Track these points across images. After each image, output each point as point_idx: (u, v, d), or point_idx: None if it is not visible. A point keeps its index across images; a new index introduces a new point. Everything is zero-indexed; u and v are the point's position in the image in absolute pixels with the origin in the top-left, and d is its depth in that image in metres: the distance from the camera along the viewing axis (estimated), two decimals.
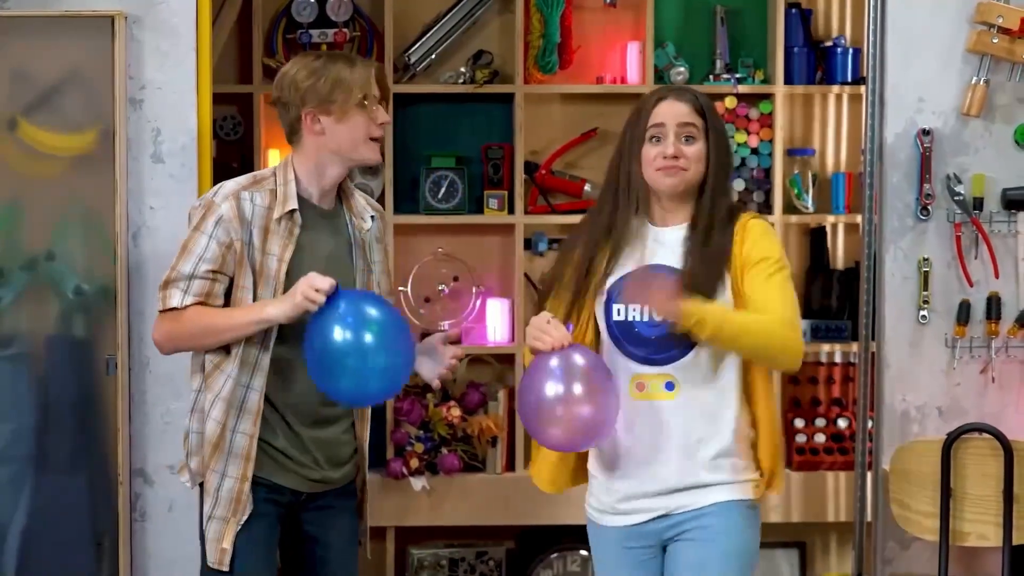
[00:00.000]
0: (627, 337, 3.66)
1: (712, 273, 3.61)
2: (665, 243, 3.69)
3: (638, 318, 3.63)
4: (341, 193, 3.92)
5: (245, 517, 3.76)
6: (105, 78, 4.40)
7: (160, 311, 3.77)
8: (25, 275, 4.42)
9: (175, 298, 3.73)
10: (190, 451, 3.86)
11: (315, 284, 3.63)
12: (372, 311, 3.66)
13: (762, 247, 3.63)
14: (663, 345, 3.62)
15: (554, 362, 3.55)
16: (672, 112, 3.67)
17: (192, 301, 3.73)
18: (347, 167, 3.85)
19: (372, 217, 3.93)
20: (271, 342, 3.75)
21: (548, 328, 3.58)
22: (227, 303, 3.76)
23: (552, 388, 3.54)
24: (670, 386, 3.64)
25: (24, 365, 4.45)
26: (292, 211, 3.77)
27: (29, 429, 4.43)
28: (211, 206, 3.75)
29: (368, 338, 3.62)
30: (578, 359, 3.57)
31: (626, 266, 3.68)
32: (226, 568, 3.75)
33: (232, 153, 5.87)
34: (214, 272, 3.73)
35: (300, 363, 3.74)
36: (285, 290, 3.73)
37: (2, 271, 4.41)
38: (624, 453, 3.68)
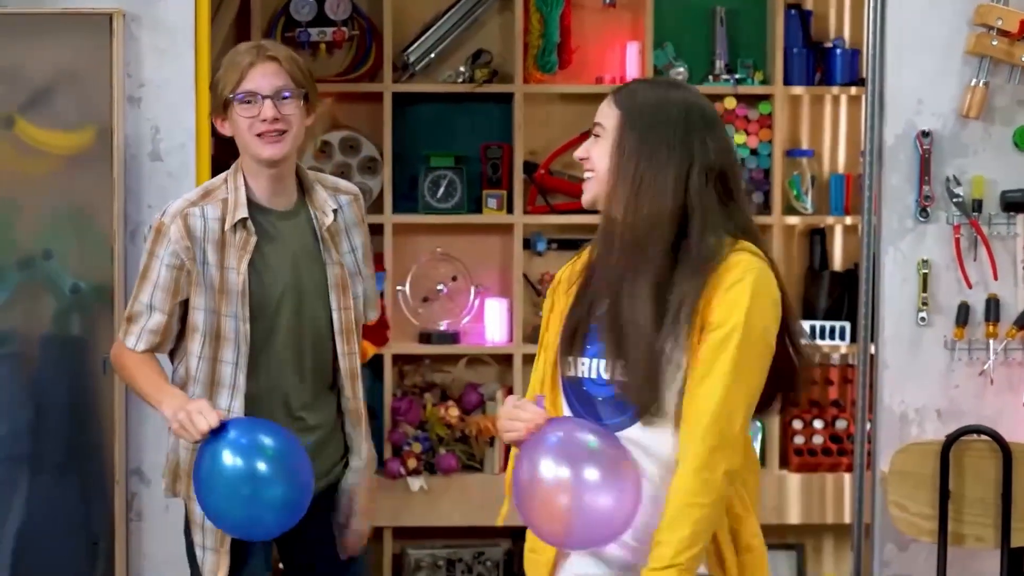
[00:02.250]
0: (574, 395, 3.04)
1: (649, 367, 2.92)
2: None
3: (587, 373, 3.01)
4: (303, 187, 3.75)
5: (230, 541, 3.70)
6: (103, 76, 4.38)
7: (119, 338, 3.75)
8: (21, 274, 4.41)
9: (131, 337, 3.68)
10: (167, 467, 3.83)
11: (195, 421, 3.40)
12: (267, 439, 3.41)
13: (726, 308, 2.91)
14: (611, 408, 2.98)
15: (536, 446, 2.94)
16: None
17: (144, 348, 3.68)
18: (263, 166, 3.65)
19: (335, 211, 3.71)
20: (241, 374, 3.66)
21: (516, 413, 2.98)
22: (184, 325, 3.69)
23: (550, 472, 2.91)
24: None
25: (19, 364, 4.44)
26: (243, 219, 3.63)
27: (24, 429, 4.42)
28: (160, 228, 3.65)
29: (263, 467, 3.36)
30: (557, 432, 2.95)
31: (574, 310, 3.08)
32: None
33: (230, 151, 5.81)
34: (170, 300, 3.65)
35: (270, 390, 3.70)
36: (250, 304, 3.62)
37: None
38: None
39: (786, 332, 3.00)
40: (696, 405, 2.89)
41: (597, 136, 3.05)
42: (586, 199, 3.04)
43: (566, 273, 3.14)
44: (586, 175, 3.04)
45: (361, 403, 3.84)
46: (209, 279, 3.64)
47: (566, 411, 3.04)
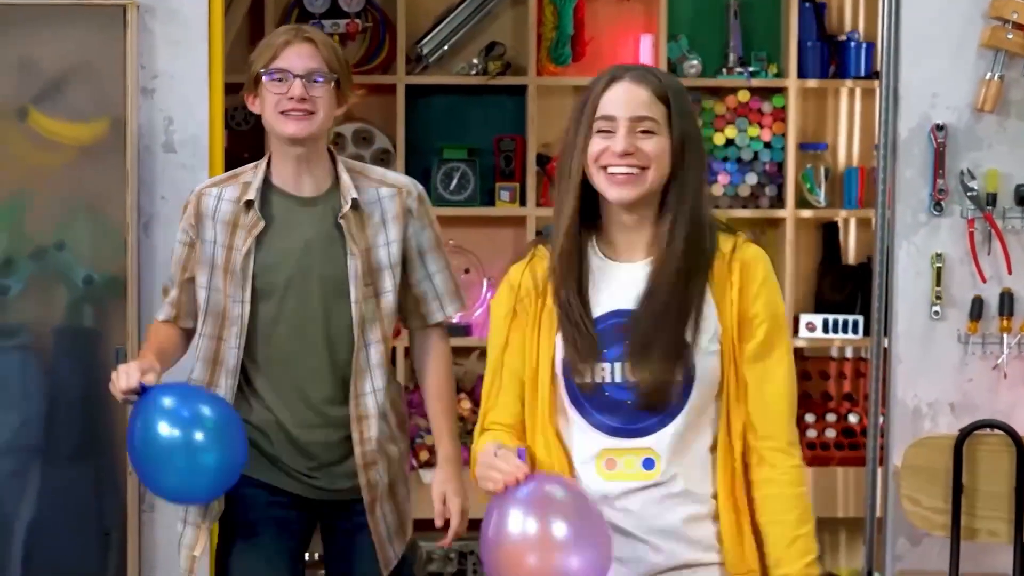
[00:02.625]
0: (593, 402, 2.94)
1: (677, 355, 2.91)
2: (621, 285, 2.99)
3: (608, 379, 2.92)
4: (337, 171, 3.73)
5: (215, 520, 3.68)
6: (116, 67, 4.38)
7: None
8: (33, 265, 4.41)
9: (162, 310, 3.84)
10: None
11: (117, 379, 3.43)
12: (200, 407, 3.42)
13: (768, 300, 2.96)
14: (640, 412, 2.92)
15: (509, 500, 2.78)
16: (626, 99, 2.95)
17: (163, 318, 3.82)
18: (285, 145, 3.64)
19: (354, 200, 3.65)
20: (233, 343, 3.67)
21: (494, 462, 2.83)
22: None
23: (515, 531, 2.76)
24: (648, 464, 2.94)
25: (32, 356, 4.44)
26: (250, 202, 3.63)
27: (37, 420, 4.42)
28: (184, 207, 3.76)
29: (198, 435, 3.37)
30: (549, 490, 2.81)
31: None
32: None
33: (243, 143, 5.86)
34: (180, 274, 3.75)
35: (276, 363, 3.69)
36: (252, 284, 3.63)
37: (11, 261, 4.40)
38: None
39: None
40: (771, 401, 2.95)
41: (649, 132, 2.91)
42: (635, 194, 2.92)
43: (524, 278, 3.04)
44: (630, 170, 2.90)
45: (383, 398, 3.72)
46: (213, 257, 3.66)
47: (581, 419, 2.96)
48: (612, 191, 2.92)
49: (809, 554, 2.95)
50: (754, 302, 2.94)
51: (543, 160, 5.92)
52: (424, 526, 5.84)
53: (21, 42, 4.37)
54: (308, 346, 3.68)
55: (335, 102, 3.66)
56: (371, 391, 3.69)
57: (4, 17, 4.35)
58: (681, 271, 2.91)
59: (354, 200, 3.65)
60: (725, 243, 2.97)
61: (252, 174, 3.70)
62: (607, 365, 2.92)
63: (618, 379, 2.92)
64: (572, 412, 2.96)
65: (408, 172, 5.84)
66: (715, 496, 2.95)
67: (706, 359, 2.92)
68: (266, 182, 3.68)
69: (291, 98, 3.58)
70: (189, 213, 3.71)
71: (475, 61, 5.92)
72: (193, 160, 4.46)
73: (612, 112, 2.92)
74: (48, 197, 4.42)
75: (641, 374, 2.90)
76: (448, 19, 5.92)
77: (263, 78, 3.61)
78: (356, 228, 3.66)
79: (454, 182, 5.88)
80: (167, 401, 3.41)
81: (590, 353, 2.92)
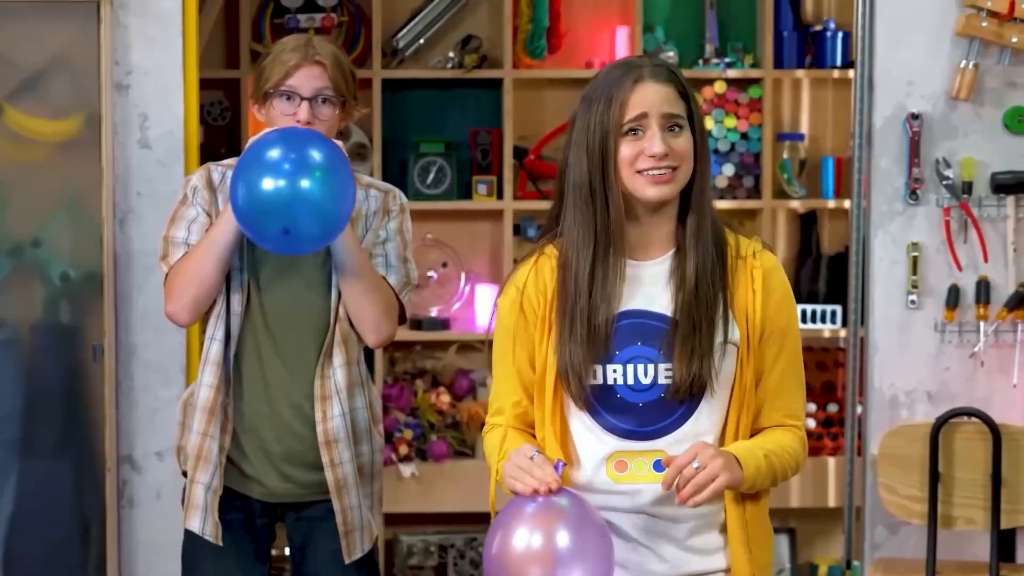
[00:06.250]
0: (604, 404, 2.92)
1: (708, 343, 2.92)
2: (644, 284, 2.97)
3: (620, 380, 2.90)
4: None
5: (208, 477, 3.68)
6: (91, 63, 4.38)
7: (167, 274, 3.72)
8: (10, 261, 4.40)
9: (176, 256, 3.69)
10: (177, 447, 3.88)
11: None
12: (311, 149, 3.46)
13: (788, 312, 2.97)
14: (654, 413, 2.91)
15: (533, 509, 2.80)
16: (655, 98, 2.90)
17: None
18: None
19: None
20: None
21: (530, 466, 2.82)
22: None
23: (526, 542, 2.77)
24: (659, 466, 2.90)
25: (10, 352, 4.43)
26: None
27: (15, 416, 4.42)
28: (186, 183, 3.77)
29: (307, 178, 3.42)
30: (568, 507, 2.81)
31: None
32: (189, 523, 3.72)
33: (219, 138, 5.86)
34: (202, 232, 3.69)
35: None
36: (247, 255, 3.66)
37: None
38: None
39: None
40: (788, 391, 2.97)
41: (678, 128, 2.88)
42: (673, 192, 2.89)
43: (529, 279, 2.99)
44: (662, 172, 2.86)
45: (355, 372, 3.77)
46: None
47: (589, 422, 2.92)
48: (651, 190, 2.87)
49: (759, 474, 2.88)
50: (776, 315, 2.93)
51: (520, 153, 5.92)
52: (404, 520, 5.86)
53: None
54: (293, 322, 3.71)
55: (339, 119, 3.74)
56: (342, 364, 3.72)
57: None
58: (714, 268, 2.91)
59: None
60: (743, 246, 2.95)
61: None
62: (619, 367, 2.89)
63: (631, 381, 2.89)
64: (582, 413, 2.93)
65: (384, 166, 5.87)
66: (723, 503, 2.93)
67: (724, 359, 2.91)
68: None
69: (297, 121, 3.65)
70: (200, 184, 3.72)
71: (451, 55, 5.91)
72: (169, 156, 4.45)
73: (644, 110, 2.87)
74: (24, 194, 4.42)
75: (681, 373, 2.87)
76: (424, 13, 5.91)
77: (273, 96, 3.68)
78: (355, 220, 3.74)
79: (431, 176, 5.87)
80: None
81: (604, 354, 2.90)
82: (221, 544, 3.71)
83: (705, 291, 2.89)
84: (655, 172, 2.86)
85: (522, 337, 2.99)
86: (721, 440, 2.92)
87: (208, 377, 3.70)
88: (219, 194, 3.72)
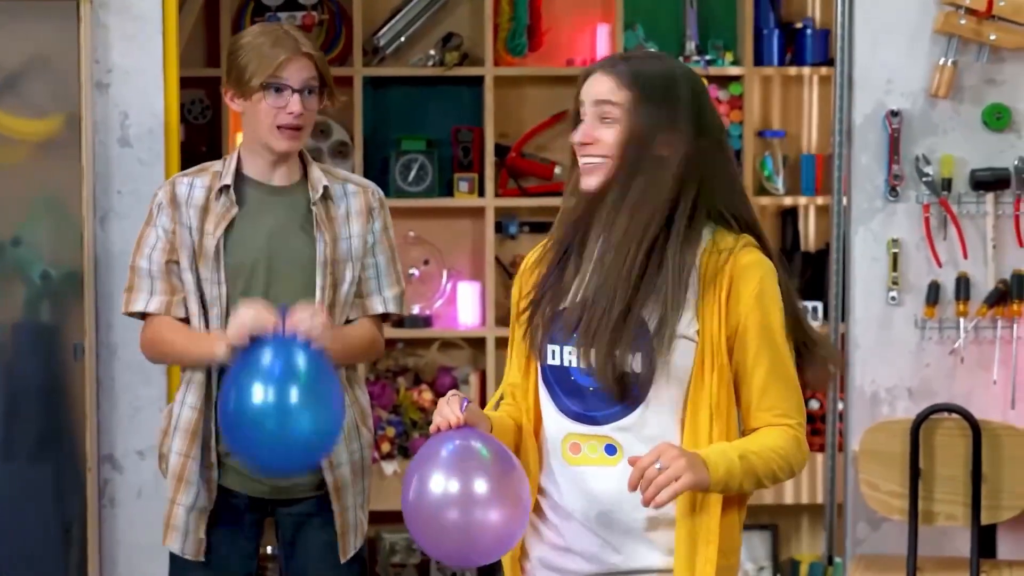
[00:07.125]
0: (561, 386, 2.90)
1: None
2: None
3: (575, 363, 2.86)
4: (304, 167, 3.78)
5: (190, 499, 3.69)
6: (71, 62, 4.37)
7: (126, 313, 3.74)
8: None
9: (139, 302, 3.70)
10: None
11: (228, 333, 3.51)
12: (298, 361, 3.40)
13: (766, 308, 2.86)
14: (602, 399, 2.86)
15: (439, 447, 2.80)
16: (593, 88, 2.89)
17: (156, 307, 3.69)
18: (268, 154, 3.71)
19: (325, 188, 3.71)
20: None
21: (440, 406, 2.84)
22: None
23: (436, 483, 2.76)
24: (611, 450, 2.87)
25: None
26: (225, 187, 3.68)
27: None
28: (153, 198, 3.75)
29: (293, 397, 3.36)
30: (472, 444, 2.80)
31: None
32: (169, 544, 3.72)
33: (200, 137, 5.85)
34: (168, 261, 3.68)
35: None
36: (223, 268, 3.65)
37: None
38: (563, 529, 2.95)
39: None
40: (780, 394, 2.92)
41: (607, 118, 2.85)
42: (595, 183, 2.86)
43: (530, 262, 3.02)
44: (590, 160, 2.86)
45: (343, 378, 3.75)
46: (190, 241, 3.68)
47: (550, 402, 2.91)
48: (582, 180, 2.89)
49: (732, 476, 2.78)
50: (750, 312, 2.84)
51: (501, 150, 5.93)
52: (386, 518, 5.85)
53: None
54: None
55: (318, 108, 3.76)
56: None
57: None
58: (630, 252, 2.82)
59: (325, 188, 3.73)
60: (725, 241, 2.88)
61: (222, 165, 3.75)
62: (573, 349, 2.86)
63: (583, 364, 2.84)
64: (544, 394, 2.94)
65: (366, 164, 5.87)
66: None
67: (672, 352, 2.82)
68: (238, 172, 3.73)
69: (289, 113, 3.65)
70: (164, 200, 3.69)
71: (432, 52, 5.91)
72: (149, 154, 4.45)
73: (583, 99, 2.88)
74: (4, 193, 4.41)
75: (587, 359, 2.84)
76: (404, 10, 5.91)
77: (260, 90, 3.64)
78: (325, 217, 3.72)
79: (412, 173, 5.88)
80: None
81: (554, 335, 2.89)
82: (203, 560, 3.72)
83: (613, 280, 2.82)
84: (585, 161, 2.88)
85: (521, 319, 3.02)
86: (693, 442, 2.83)
87: (191, 398, 3.70)
88: (185, 206, 3.69)
